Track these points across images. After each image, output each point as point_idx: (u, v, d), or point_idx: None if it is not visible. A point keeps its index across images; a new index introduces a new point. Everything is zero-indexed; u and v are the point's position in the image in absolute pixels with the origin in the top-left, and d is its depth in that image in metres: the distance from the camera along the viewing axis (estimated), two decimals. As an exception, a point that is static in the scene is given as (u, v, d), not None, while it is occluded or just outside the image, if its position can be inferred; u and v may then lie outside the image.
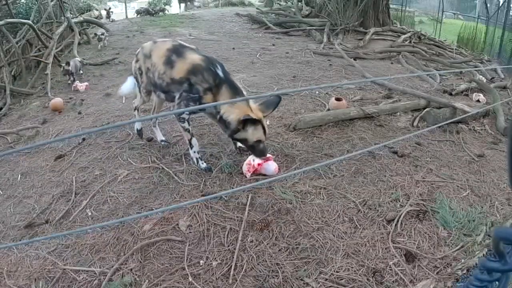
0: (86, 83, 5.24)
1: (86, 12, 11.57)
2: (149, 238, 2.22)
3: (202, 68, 2.61)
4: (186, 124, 2.82)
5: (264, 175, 2.76)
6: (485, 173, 2.99)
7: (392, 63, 6.87)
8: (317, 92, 4.51)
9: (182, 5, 14.23)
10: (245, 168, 2.76)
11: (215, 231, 2.26)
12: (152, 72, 2.84)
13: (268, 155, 2.77)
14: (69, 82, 5.30)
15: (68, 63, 5.27)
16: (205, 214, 2.39)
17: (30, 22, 6.22)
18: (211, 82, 2.61)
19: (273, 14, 12.36)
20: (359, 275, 1.96)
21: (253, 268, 2.00)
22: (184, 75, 2.64)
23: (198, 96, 2.64)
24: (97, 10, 12.95)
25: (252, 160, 2.74)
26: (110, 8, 12.83)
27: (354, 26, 9.66)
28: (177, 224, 2.32)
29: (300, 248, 2.13)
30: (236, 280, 1.92)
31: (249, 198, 2.50)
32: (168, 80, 2.73)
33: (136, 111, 3.33)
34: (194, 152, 2.89)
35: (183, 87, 2.67)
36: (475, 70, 5.89)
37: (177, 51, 2.76)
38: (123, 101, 4.47)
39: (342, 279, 1.94)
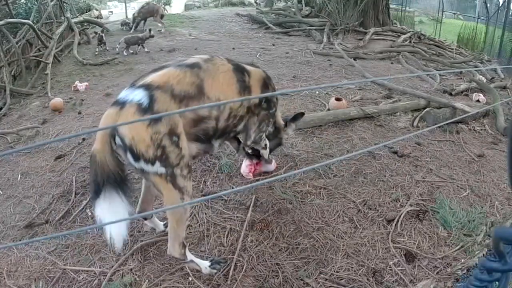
0: (86, 83, 5.24)
1: (86, 12, 11.57)
2: (149, 238, 2.22)
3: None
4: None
5: (265, 173, 2.76)
6: (485, 173, 2.99)
7: (392, 63, 6.87)
8: (317, 92, 4.51)
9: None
10: (246, 170, 2.75)
11: (215, 231, 2.26)
12: None
13: None
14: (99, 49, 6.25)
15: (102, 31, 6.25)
16: (205, 214, 2.39)
17: (30, 22, 6.22)
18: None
19: (273, 14, 12.36)
20: (359, 275, 1.96)
21: (253, 268, 2.00)
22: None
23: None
24: (97, 10, 12.95)
25: (251, 161, 2.74)
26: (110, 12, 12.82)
27: (354, 26, 9.67)
28: (177, 224, 2.31)
29: (300, 248, 2.13)
30: (236, 280, 1.92)
31: (253, 199, 2.50)
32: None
33: None
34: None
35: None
36: (475, 70, 5.90)
37: None
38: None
39: (342, 279, 1.94)
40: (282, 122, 2.59)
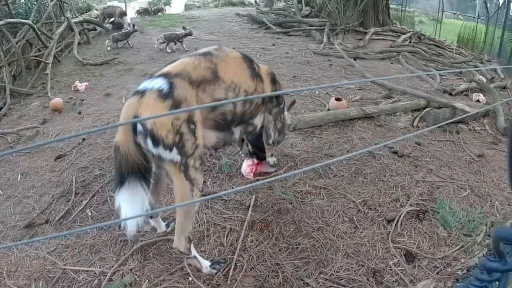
0: (86, 83, 5.24)
1: (86, 12, 11.56)
2: (149, 238, 2.22)
3: None
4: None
5: (265, 173, 2.76)
6: (485, 173, 2.99)
7: (392, 63, 6.87)
8: (317, 92, 4.51)
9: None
10: (246, 170, 2.75)
11: (215, 231, 2.26)
12: None
13: None
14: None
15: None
16: (205, 214, 2.39)
17: (30, 22, 6.22)
18: None
19: (273, 14, 12.36)
20: (359, 275, 1.96)
21: (253, 268, 2.00)
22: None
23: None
24: (97, 10, 12.94)
25: (252, 161, 2.74)
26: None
27: (354, 26, 9.66)
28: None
29: (300, 248, 2.13)
30: (236, 280, 1.92)
31: (253, 199, 2.50)
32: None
33: None
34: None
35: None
36: (475, 70, 5.89)
37: None
38: (123, 101, 4.47)
39: (342, 279, 1.94)
40: (288, 120, 2.70)
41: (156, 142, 1.64)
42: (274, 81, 2.30)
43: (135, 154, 1.67)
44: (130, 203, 1.64)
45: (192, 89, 1.74)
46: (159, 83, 1.68)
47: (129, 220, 1.67)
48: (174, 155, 1.68)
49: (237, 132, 2.11)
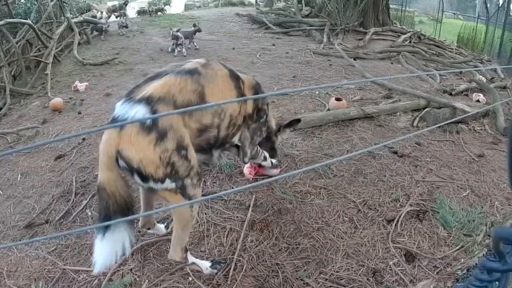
0: (86, 83, 5.24)
1: (86, 12, 11.56)
2: (149, 238, 2.22)
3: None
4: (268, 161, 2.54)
5: (266, 175, 2.76)
6: (485, 173, 2.99)
7: (392, 63, 6.87)
8: (317, 92, 4.51)
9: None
10: (246, 171, 2.75)
11: (215, 231, 2.26)
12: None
13: None
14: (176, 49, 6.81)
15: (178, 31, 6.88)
16: (205, 214, 2.39)
17: (30, 22, 6.22)
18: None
19: (273, 14, 12.36)
20: (359, 275, 1.96)
21: (253, 268, 2.00)
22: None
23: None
24: (97, 10, 12.94)
25: (251, 163, 2.74)
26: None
27: (354, 26, 9.67)
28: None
29: (300, 248, 2.13)
30: (236, 280, 1.92)
31: (253, 199, 2.50)
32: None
33: None
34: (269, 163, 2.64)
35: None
36: (475, 70, 5.89)
37: None
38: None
39: (342, 279, 1.94)
40: (274, 127, 2.52)
41: (145, 178, 1.52)
42: (256, 94, 2.15)
43: (124, 191, 1.53)
44: (108, 244, 1.48)
45: (178, 115, 1.56)
46: (140, 112, 1.50)
47: (99, 259, 1.48)
48: (168, 184, 1.57)
49: (216, 154, 1.99)
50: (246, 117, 2.07)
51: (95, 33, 8.99)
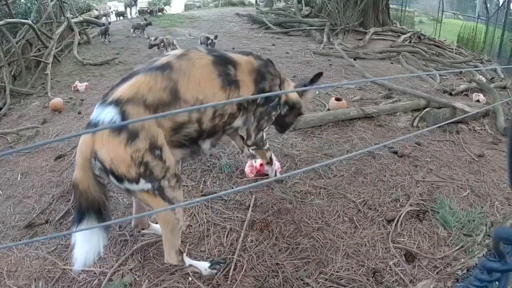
0: (86, 83, 5.24)
1: (86, 12, 11.57)
2: (149, 238, 2.22)
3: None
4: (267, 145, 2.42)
5: (266, 175, 2.76)
6: (485, 173, 2.99)
7: (392, 63, 6.87)
8: (317, 92, 4.51)
9: (128, 9, 13.12)
10: (247, 170, 2.75)
11: (215, 231, 2.26)
12: None
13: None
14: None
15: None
16: (205, 214, 2.39)
17: (30, 22, 6.22)
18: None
19: (273, 14, 12.37)
20: (359, 275, 1.96)
21: (253, 268, 2.00)
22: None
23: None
24: (97, 10, 12.95)
25: (254, 162, 2.74)
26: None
27: (354, 26, 9.67)
28: (177, 224, 2.31)
29: (300, 248, 2.13)
30: (236, 280, 1.92)
31: (253, 199, 2.50)
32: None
33: None
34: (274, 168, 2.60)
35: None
36: (475, 70, 5.90)
37: None
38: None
39: (342, 279, 1.94)
40: (296, 99, 2.35)
41: (119, 179, 1.53)
42: (261, 77, 1.97)
43: (95, 191, 1.54)
44: (86, 243, 1.52)
45: (148, 115, 1.52)
46: (110, 114, 1.50)
47: (80, 257, 1.52)
48: (143, 185, 1.56)
49: (206, 144, 1.87)
50: (244, 104, 1.94)
51: (102, 37, 8.58)
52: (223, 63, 1.81)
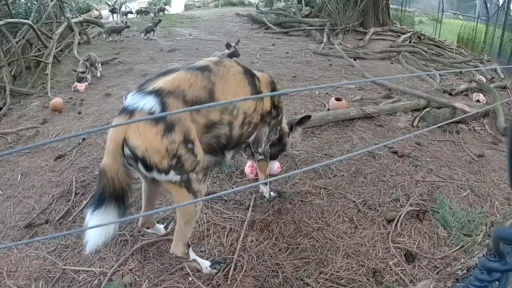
0: (86, 83, 5.24)
1: (86, 12, 11.58)
2: (149, 238, 2.22)
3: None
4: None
5: (269, 175, 2.75)
6: (485, 173, 2.99)
7: (392, 63, 6.87)
8: (317, 92, 4.51)
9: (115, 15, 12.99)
10: (248, 170, 2.76)
11: (215, 231, 2.26)
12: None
13: None
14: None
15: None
16: (205, 214, 2.39)
17: (30, 22, 6.22)
18: None
19: (273, 14, 12.37)
20: (359, 275, 1.96)
21: (253, 268, 2.00)
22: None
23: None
24: (97, 10, 12.96)
25: (254, 162, 2.74)
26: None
27: (354, 26, 9.67)
28: (177, 224, 2.31)
29: (300, 248, 2.13)
30: (236, 280, 1.92)
31: (253, 199, 2.50)
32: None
33: None
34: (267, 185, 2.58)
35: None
36: (475, 70, 5.90)
37: None
38: (123, 101, 4.47)
39: (342, 279, 1.94)
40: (286, 128, 2.48)
41: (149, 168, 1.54)
42: (273, 91, 2.17)
43: (123, 179, 1.56)
44: (100, 228, 1.54)
45: None
46: (150, 103, 1.53)
47: (92, 239, 1.51)
48: (172, 176, 1.58)
49: (229, 155, 1.96)
50: (264, 115, 2.07)
51: (112, 36, 8.69)
52: (250, 75, 1.96)
